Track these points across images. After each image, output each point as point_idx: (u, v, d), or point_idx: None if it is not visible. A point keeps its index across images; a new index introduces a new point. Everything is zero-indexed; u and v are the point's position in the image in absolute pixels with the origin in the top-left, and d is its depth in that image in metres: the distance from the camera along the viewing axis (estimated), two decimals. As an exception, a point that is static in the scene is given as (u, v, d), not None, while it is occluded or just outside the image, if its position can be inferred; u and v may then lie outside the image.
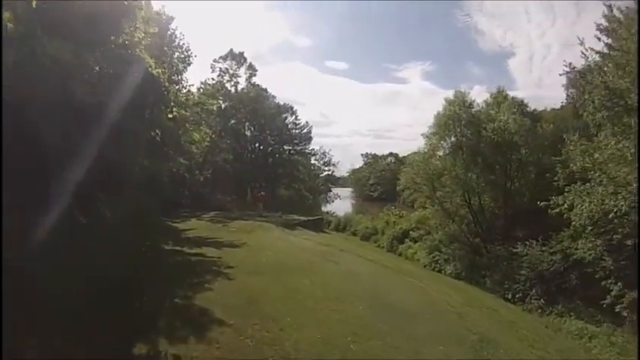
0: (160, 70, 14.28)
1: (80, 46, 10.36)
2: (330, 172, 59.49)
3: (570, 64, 20.24)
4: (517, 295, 20.26)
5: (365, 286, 15.51)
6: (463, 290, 19.16)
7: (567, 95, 45.77)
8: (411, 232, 31.97)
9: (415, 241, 30.92)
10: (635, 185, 15.12)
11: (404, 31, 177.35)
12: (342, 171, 68.86)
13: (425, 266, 26.62)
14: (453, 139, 27.27)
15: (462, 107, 27.03)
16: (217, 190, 46.17)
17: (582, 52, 18.37)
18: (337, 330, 11.09)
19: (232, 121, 49.19)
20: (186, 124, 21.35)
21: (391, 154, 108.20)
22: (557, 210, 18.00)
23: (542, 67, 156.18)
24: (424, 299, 15.31)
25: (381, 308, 13.05)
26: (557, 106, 37.94)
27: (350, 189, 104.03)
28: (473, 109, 27.73)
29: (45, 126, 9.83)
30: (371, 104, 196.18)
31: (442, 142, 27.82)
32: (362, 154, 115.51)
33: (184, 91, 24.84)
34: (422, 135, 29.01)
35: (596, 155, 16.59)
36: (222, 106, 45.96)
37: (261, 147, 52.33)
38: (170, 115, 14.90)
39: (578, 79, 20.57)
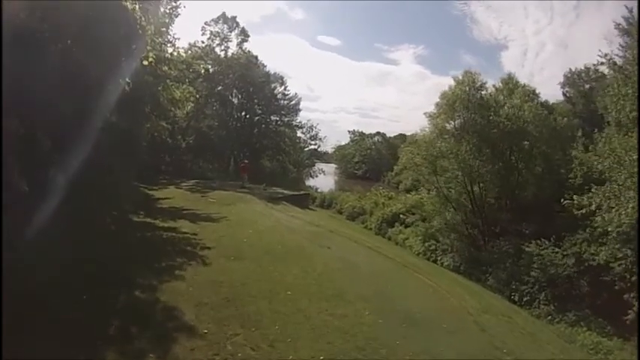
0: (136, 6, 11.13)
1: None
2: (316, 147, 56.31)
3: (606, 55, 17.99)
4: (525, 299, 18.32)
5: (367, 282, 12.81)
6: (474, 291, 16.81)
7: (564, 93, 44.64)
8: (401, 216, 29.47)
9: (406, 226, 28.51)
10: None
11: (399, 13, 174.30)
12: (326, 146, 65.48)
13: (418, 254, 24.36)
14: (459, 121, 24.66)
15: (472, 88, 24.38)
16: (199, 157, 43.23)
17: (620, 45, 17.03)
18: (341, 345, 8.40)
19: (219, 87, 45.61)
20: (167, 80, 18.16)
21: (378, 133, 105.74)
22: (582, 211, 15.90)
23: (535, 63, 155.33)
24: (438, 303, 12.70)
25: (392, 314, 10.44)
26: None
27: (333, 165, 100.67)
28: (482, 92, 25.18)
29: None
30: (359, 82, 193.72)
31: (447, 123, 25.10)
32: (349, 131, 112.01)
33: (169, 47, 21.39)
34: (425, 114, 26.52)
35: (634, 156, 14.27)
36: (210, 69, 42.47)
37: (248, 116, 48.92)
38: (145, 63, 11.73)
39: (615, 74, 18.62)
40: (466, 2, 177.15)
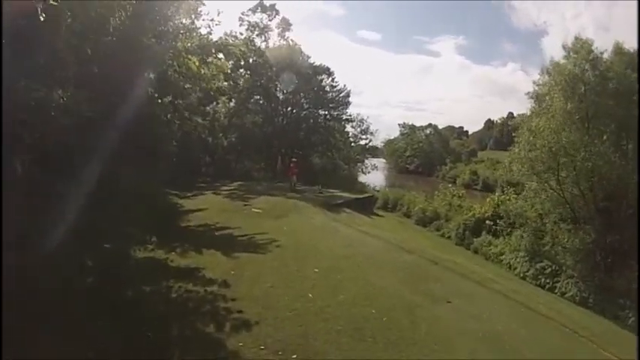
0: None
1: None
2: (367, 141, 48.67)
3: None
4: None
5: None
6: None
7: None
8: (487, 222, 22.02)
9: (494, 235, 21.03)
10: None
11: (438, 4, 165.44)
12: (376, 141, 57.92)
13: (523, 277, 17.16)
14: (580, 103, 17.15)
15: (596, 59, 17.45)
16: (244, 156, 37.05)
17: None
18: None
19: (262, 80, 38.98)
20: (179, 45, 11.67)
21: (430, 125, 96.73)
22: None
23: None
24: None
25: None
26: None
27: (382, 160, 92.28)
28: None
29: None
30: (402, 76, 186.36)
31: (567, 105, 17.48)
32: (399, 124, 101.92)
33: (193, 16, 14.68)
34: (527, 95, 19.90)
35: None
36: (251, 61, 36.10)
37: (294, 111, 42.11)
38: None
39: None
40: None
